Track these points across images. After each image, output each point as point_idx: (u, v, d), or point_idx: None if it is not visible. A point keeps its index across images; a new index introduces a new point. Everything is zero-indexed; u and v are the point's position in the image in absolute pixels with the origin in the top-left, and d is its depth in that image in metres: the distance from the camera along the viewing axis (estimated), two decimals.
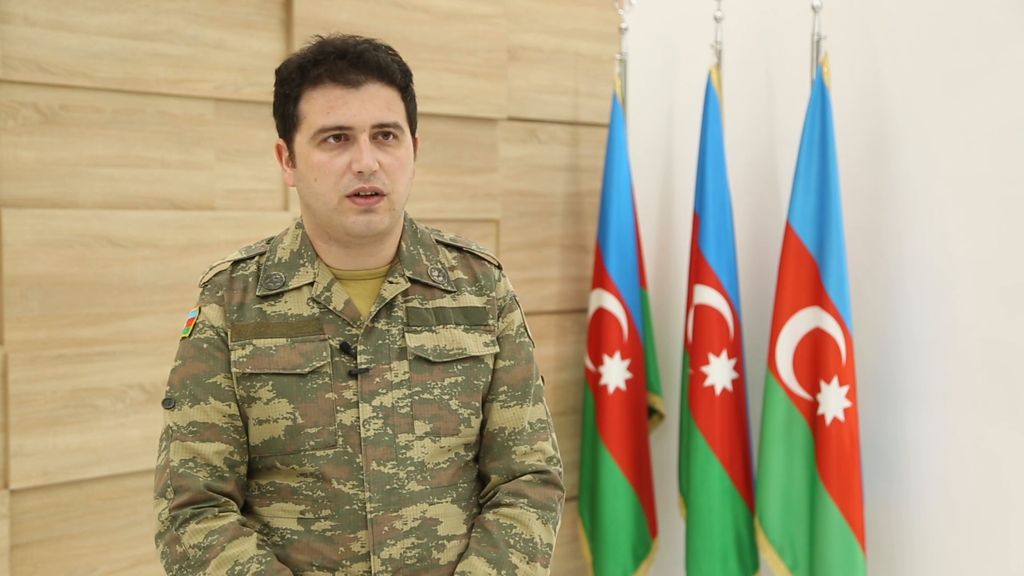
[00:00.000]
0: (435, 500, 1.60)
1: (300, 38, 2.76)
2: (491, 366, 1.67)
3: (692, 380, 2.97)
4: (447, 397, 1.61)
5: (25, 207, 2.45)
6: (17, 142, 2.43)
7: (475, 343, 1.65)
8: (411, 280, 1.64)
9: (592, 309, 3.25)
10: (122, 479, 2.57)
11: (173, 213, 2.64)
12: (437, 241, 1.72)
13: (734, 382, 2.96)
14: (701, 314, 2.97)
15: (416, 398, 1.59)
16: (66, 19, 2.48)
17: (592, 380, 3.25)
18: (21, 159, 2.44)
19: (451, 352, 1.63)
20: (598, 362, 3.22)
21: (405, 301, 1.63)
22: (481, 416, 1.66)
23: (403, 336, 1.61)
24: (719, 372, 2.94)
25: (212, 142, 2.70)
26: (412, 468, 1.58)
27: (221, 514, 1.56)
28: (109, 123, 2.56)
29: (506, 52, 3.23)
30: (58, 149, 2.49)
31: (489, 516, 1.64)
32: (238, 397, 1.58)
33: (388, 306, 1.62)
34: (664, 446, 3.38)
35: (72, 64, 2.49)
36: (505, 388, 1.68)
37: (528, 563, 1.60)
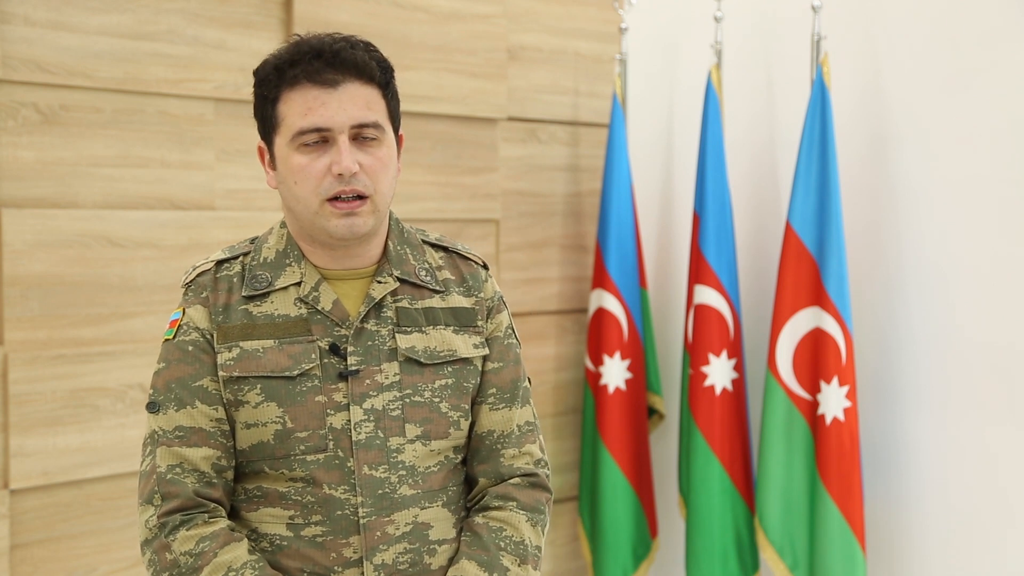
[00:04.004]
0: (426, 504, 1.58)
1: None
2: (480, 368, 1.65)
3: (692, 380, 2.97)
4: (437, 400, 1.59)
5: (25, 207, 2.45)
6: (17, 142, 2.43)
7: (465, 345, 1.63)
8: (399, 280, 1.62)
9: (592, 309, 3.25)
10: (122, 479, 2.57)
11: (173, 213, 2.64)
12: (423, 241, 1.69)
13: (734, 382, 2.96)
14: (701, 314, 2.97)
15: (407, 400, 1.57)
16: (66, 19, 2.48)
17: (592, 380, 3.24)
18: (21, 159, 2.44)
19: (442, 354, 1.60)
20: (598, 362, 3.22)
21: (394, 301, 1.60)
22: (470, 418, 1.64)
23: (393, 337, 1.58)
24: (719, 372, 2.94)
25: (212, 142, 2.70)
26: (404, 472, 1.56)
27: (211, 520, 1.53)
28: (109, 123, 2.56)
29: (506, 52, 3.23)
30: (58, 149, 2.49)
31: (478, 519, 1.62)
32: (225, 401, 1.55)
33: (377, 306, 1.59)
34: (664, 446, 3.38)
35: (72, 64, 2.49)
36: (494, 390, 1.66)
37: (519, 565, 1.59)
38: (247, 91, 2.73)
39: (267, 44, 2.77)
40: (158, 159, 2.62)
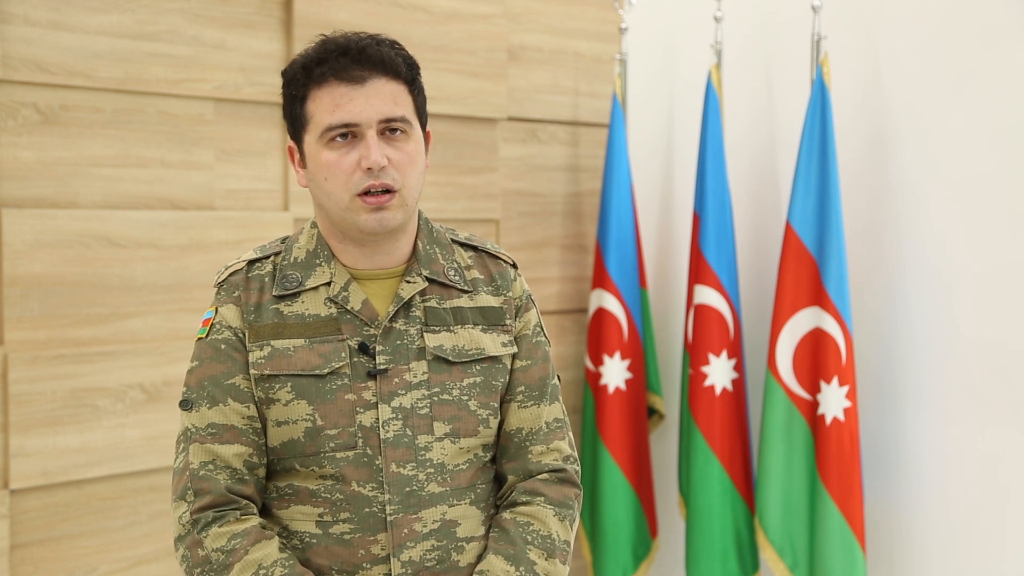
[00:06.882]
0: (454, 502, 1.59)
1: (300, 38, 2.77)
2: (509, 366, 1.66)
3: (692, 380, 2.97)
4: (466, 398, 1.61)
5: (25, 207, 2.45)
6: (17, 142, 2.43)
7: (493, 343, 1.64)
8: (428, 279, 1.63)
9: (592, 309, 3.25)
10: (122, 479, 2.57)
11: (173, 213, 2.64)
12: (452, 240, 1.71)
13: (734, 382, 2.96)
14: (701, 314, 2.97)
15: (435, 399, 1.59)
16: (66, 19, 2.48)
17: (592, 380, 3.24)
18: (21, 159, 2.44)
19: (470, 352, 1.62)
20: (598, 362, 3.22)
21: (423, 301, 1.62)
22: (499, 416, 1.65)
23: (421, 336, 1.60)
24: (719, 372, 2.94)
25: (212, 142, 2.70)
26: (432, 470, 1.57)
27: (243, 517, 1.55)
28: (109, 123, 2.56)
29: (506, 52, 3.23)
30: (58, 149, 2.49)
31: (506, 515, 1.63)
32: (256, 399, 1.57)
33: (406, 306, 1.61)
34: (664, 446, 3.38)
35: (72, 64, 2.49)
36: (523, 388, 1.67)
37: (547, 559, 1.59)
38: (247, 91, 2.73)
39: (267, 44, 2.77)
40: (158, 159, 2.62)
